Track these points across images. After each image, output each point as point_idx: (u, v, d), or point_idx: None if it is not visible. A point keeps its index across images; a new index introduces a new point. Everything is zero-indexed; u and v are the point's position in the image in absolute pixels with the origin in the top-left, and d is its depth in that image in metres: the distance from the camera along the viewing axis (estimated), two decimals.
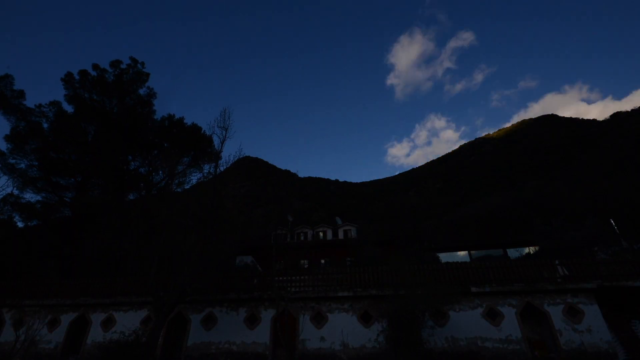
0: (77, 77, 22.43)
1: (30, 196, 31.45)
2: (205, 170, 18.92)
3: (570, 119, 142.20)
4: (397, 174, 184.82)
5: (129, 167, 23.79)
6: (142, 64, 25.81)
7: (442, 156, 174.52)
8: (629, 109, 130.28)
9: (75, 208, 19.60)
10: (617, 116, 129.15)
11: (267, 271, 15.26)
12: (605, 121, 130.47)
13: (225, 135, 15.14)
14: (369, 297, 13.46)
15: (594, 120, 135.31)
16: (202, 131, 25.55)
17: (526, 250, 21.44)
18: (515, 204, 51.84)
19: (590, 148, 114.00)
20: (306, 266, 26.39)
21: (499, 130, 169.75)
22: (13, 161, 19.82)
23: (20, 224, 20.65)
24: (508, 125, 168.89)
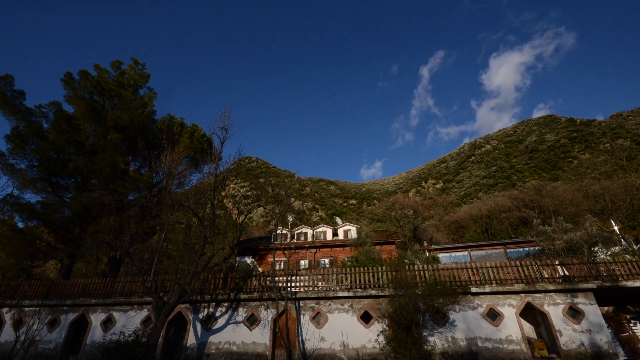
0: (77, 77, 22.43)
1: (30, 196, 31.56)
2: (205, 171, 18.94)
3: (571, 119, 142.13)
4: (397, 174, 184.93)
5: (128, 167, 23.79)
6: (143, 64, 25.83)
7: (442, 156, 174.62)
8: (629, 109, 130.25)
9: (75, 208, 19.58)
10: (617, 116, 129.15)
11: (267, 271, 15.25)
12: (605, 121, 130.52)
13: (225, 136, 15.15)
14: (369, 297, 13.46)
15: (594, 120, 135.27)
16: (202, 131, 25.62)
17: (526, 250, 21.44)
18: (515, 204, 51.85)
19: (590, 148, 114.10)
20: (306, 266, 26.40)
21: (499, 130, 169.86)
22: (13, 161, 19.78)
23: (20, 224, 20.67)
24: (508, 125, 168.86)
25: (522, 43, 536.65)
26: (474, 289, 12.75)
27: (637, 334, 12.59)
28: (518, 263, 13.56)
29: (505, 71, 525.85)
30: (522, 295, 12.57)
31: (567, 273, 13.04)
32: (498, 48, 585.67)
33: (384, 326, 12.42)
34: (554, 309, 12.18)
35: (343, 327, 13.08)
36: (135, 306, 15.27)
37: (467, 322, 12.38)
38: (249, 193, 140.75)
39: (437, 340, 12.16)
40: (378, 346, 12.24)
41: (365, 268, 14.53)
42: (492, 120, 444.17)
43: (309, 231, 30.51)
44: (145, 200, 18.70)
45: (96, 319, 15.33)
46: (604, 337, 11.38)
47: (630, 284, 11.98)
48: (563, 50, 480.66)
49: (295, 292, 13.99)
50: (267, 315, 13.92)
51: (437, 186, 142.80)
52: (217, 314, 14.38)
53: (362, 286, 13.90)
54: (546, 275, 13.13)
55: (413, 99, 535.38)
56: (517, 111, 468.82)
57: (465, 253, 22.64)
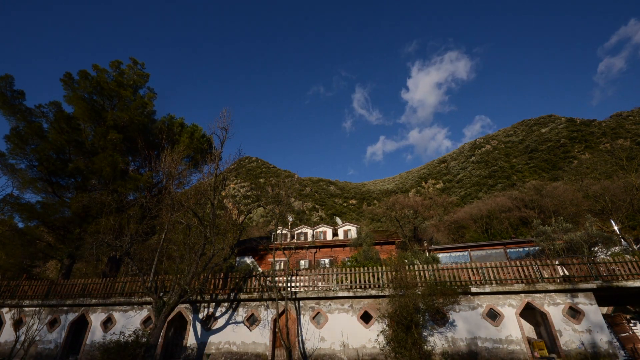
0: (76, 77, 22.42)
1: (30, 196, 31.54)
2: (205, 171, 18.91)
3: (570, 119, 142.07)
4: (397, 174, 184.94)
5: (128, 167, 23.78)
6: (142, 64, 25.84)
7: (442, 156, 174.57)
8: (629, 109, 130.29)
9: (75, 208, 19.58)
10: (617, 116, 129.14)
11: (267, 271, 15.25)
12: (605, 121, 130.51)
13: (225, 136, 15.15)
14: (369, 297, 13.46)
15: (594, 120, 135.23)
16: (202, 131, 25.61)
17: (526, 250, 21.43)
18: (515, 204, 51.84)
19: (590, 148, 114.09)
20: (306, 266, 26.40)
21: (499, 130, 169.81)
22: (13, 161, 19.77)
23: (20, 224, 20.68)
24: (508, 125, 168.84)
25: (429, 67, 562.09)
26: (474, 289, 12.75)
27: (637, 334, 12.59)
28: (518, 263, 13.56)
29: (423, 91, 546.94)
30: (522, 295, 12.57)
31: (567, 273, 13.04)
32: (411, 73, 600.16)
33: (384, 326, 12.43)
34: (554, 309, 12.18)
35: (343, 327, 13.08)
36: (135, 306, 15.27)
37: (467, 322, 12.38)
38: (249, 193, 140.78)
39: (437, 340, 12.16)
40: (378, 346, 12.24)
41: (365, 268, 14.53)
42: (426, 137, 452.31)
43: (309, 231, 30.51)
44: (145, 200, 18.68)
45: (96, 319, 15.33)
46: (604, 337, 11.38)
47: (630, 284, 11.98)
48: (462, 72, 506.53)
49: (295, 292, 13.99)
50: (267, 315, 13.92)
51: (437, 186, 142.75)
52: (217, 314, 14.38)
53: (362, 286, 13.90)
54: (546, 275, 13.13)
55: (345, 115, 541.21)
56: (446, 130, 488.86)
57: (465, 253, 22.63)
